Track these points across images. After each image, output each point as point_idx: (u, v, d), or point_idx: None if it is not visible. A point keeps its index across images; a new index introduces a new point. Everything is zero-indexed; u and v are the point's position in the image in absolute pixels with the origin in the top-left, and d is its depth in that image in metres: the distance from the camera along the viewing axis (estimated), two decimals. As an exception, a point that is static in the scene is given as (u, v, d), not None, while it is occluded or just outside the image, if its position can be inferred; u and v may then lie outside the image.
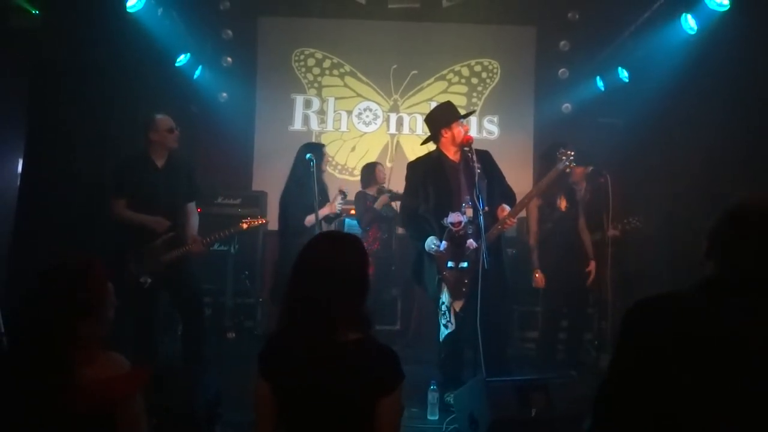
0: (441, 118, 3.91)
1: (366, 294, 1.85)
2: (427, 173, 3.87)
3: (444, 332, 3.76)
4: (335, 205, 4.58)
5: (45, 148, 4.61)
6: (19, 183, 4.79)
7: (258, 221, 4.51)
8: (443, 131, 3.87)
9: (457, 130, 3.83)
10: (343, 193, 4.67)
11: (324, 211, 4.53)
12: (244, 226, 4.38)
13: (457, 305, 3.71)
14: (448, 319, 3.73)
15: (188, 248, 4.08)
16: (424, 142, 4.10)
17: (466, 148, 3.79)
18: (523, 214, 4.45)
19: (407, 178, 4.00)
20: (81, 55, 4.53)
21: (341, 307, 1.76)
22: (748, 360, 1.27)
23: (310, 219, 4.50)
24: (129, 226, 4.03)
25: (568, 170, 3.92)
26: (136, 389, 1.77)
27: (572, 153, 3.80)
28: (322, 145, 4.94)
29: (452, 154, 3.87)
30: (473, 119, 6.75)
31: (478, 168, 3.68)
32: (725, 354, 1.28)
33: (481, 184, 3.70)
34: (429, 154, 4.05)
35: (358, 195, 5.46)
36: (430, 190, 3.81)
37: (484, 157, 3.89)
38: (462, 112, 4.03)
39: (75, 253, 1.92)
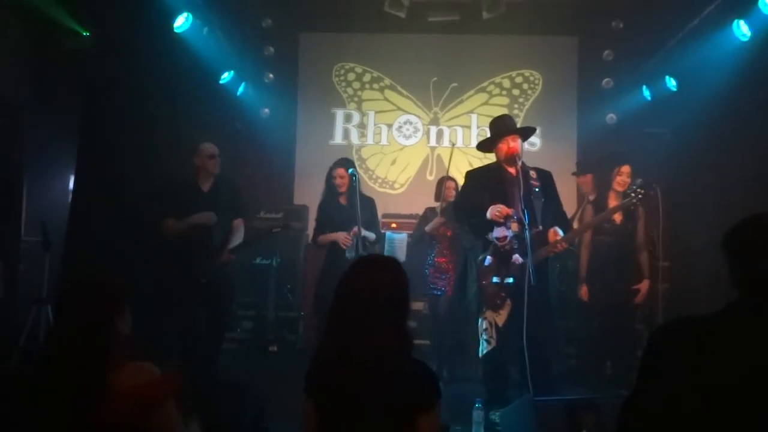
0: (492, 133, 3.93)
1: (406, 315, 1.92)
2: (486, 183, 3.85)
3: (484, 347, 3.71)
4: (349, 239, 4.41)
5: (95, 164, 4.76)
6: (70, 199, 4.95)
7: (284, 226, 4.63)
8: (494, 146, 3.88)
9: (504, 146, 3.79)
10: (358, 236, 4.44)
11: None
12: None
13: (499, 319, 3.65)
14: (490, 334, 3.68)
15: (218, 259, 4.16)
16: (479, 147, 4.11)
17: (511, 160, 3.75)
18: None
19: (465, 184, 4.04)
20: (130, 75, 4.67)
21: (382, 328, 1.82)
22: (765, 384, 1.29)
23: (333, 236, 4.47)
24: (178, 242, 4.15)
25: (632, 208, 3.89)
26: (168, 396, 1.81)
27: (642, 191, 3.78)
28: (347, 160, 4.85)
29: (510, 167, 3.82)
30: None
31: (536, 186, 3.67)
32: (743, 378, 1.31)
33: (536, 202, 3.68)
34: (489, 166, 4.05)
35: (428, 209, 5.36)
36: (486, 199, 3.75)
37: (545, 177, 3.88)
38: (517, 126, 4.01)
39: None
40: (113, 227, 4.70)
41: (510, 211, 3.63)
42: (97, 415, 1.69)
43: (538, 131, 6.78)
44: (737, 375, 1.31)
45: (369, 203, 4.67)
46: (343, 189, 4.48)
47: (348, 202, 4.48)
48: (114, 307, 1.87)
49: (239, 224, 4.39)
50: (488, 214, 3.65)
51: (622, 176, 4.39)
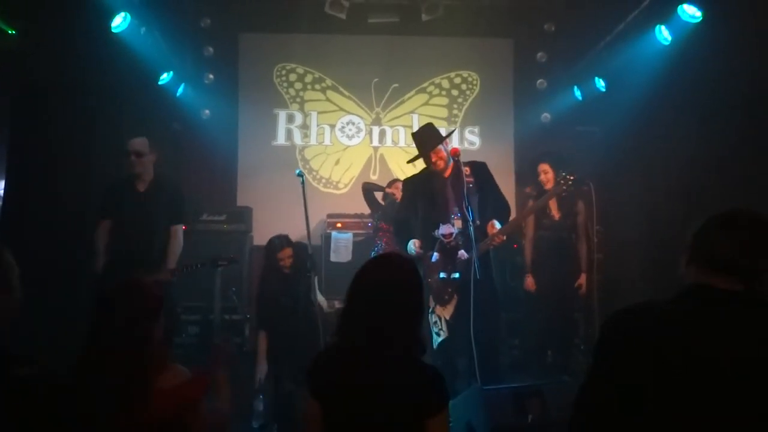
0: (421, 147, 3.92)
1: (421, 316, 1.88)
2: (417, 189, 4.00)
3: (437, 340, 3.82)
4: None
5: (28, 167, 4.60)
6: (1, 202, 4.75)
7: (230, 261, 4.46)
8: (426, 158, 3.92)
9: (431, 159, 3.86)
10: None
11: None
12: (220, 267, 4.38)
13: (446, 313, 3.78)
14: (440, 327, 3.80)
15: (158, 276, 4.03)
16: (410, 161, 4.18)
17: (454, 159, 3.88)
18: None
19: (402, 195, 4.20)
20: (65, 75, 4.54)
21: (395, 328, 1.78)
22: (722, 369, 1.33)
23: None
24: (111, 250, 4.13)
25: (564, 194, 4.06)
26: (202, 395, 1.91)
27: (572, 178, 3.89)
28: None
29: (441, 169, 3.91)
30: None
31: (470, 182, 3.78)
32: (699, 362, 1.34)
33: (472, 198, 3.78)
34: (421, 171, 4.13)
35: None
36: (419, 205, 3.91)
37: (479, 169, 3.98)
38: (443, 130, 4.06)
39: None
40: (47, 232, 4.55)
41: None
42: (142, 415, 1.76)
43: (476, 131, 7.01)
44: (695, 359, 1.33)
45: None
46: (288, 270, 4.25)
47: (292, 271, 4.26)
48: (153, 313, 1.93)
49: (177, 232, 4.27)
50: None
51: (540, 175, 4.62)
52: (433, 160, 3.86)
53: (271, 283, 4.25)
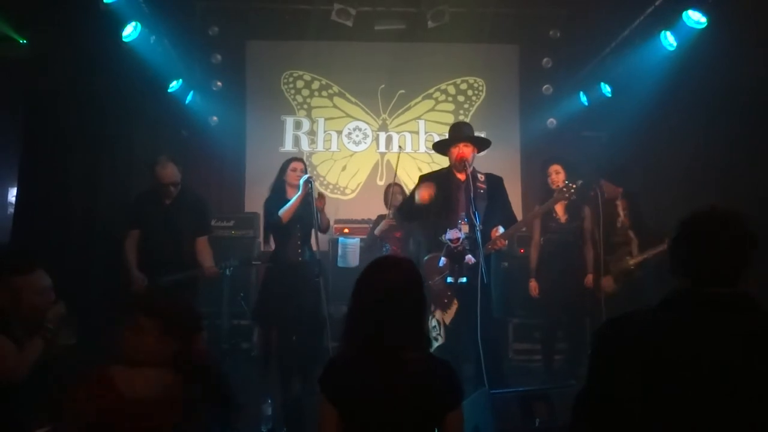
0: (447, 139, 4.08)
1: (424, 313, 1.94)
2: (435, 187, 3.97)
3: (434, 345, 3.84)
4: None
5: (39, 174, 4.64)
6: (13, 211, 4.81)
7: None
8: (447, 152, 4.03)
9: (455, 150, 3.94)
10: None
11: None
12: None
13: (447, 317, 3.80)
14: (438, 332, 3.82)
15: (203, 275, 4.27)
16: (435, 147, 4.25)
17: (461, 165, 3.91)
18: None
19: (415, 187, 4.16)
20: (76, 84, 4.58)
21: (403, 327, 1.83)
22: (709, 374, 1.34)
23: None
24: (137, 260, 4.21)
25: (566, 200, 4.11)
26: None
27: (574, 186, 3.94)
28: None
29: (459, 172, 3.97)
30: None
31: (482, 188, 3.82)
32: (687, 368, 1.35)
33: (480, 203, 3.82)
34: (440, 170, 4.19)
35: (379, 216, 5.51)
36: (431, 202, 3.90)
37: (494, 181, 4.04)
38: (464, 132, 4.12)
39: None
40: (60, 241, 4.60)
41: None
42: None
43: (482, 136, 7.00)
44: (685, 366, 1.35)
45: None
46: (296, 181, 4.39)
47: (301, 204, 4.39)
48: None
49: (206, 242, 4.40)
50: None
51: (551, 176, 4.63)
52: (462, 150, 3.90)
53: (278, 195, 4.43)
